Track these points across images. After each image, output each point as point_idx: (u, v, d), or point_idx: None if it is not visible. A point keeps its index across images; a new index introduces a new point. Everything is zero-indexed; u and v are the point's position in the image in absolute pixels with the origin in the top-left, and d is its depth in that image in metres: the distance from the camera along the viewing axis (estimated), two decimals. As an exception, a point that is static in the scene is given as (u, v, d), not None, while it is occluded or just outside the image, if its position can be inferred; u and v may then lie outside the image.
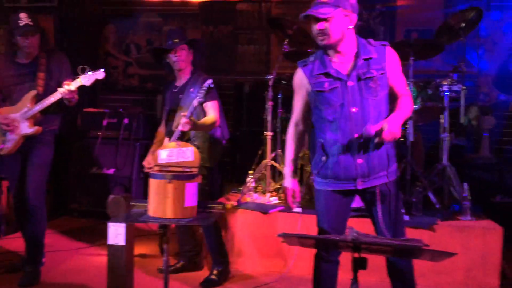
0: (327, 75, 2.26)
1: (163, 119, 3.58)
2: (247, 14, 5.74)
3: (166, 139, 3.39)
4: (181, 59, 3.35)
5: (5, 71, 3.38)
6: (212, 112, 3.30)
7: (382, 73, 2.25)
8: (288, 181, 2.45)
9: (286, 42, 4.23)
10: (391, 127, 2.10)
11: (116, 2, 6.02)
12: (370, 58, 2.26)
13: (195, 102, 3.02)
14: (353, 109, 2.23)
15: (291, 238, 1.99)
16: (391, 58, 2.31)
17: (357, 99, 2.23)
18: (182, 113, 3.06)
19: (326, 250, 2.34)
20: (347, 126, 2.24)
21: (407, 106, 2.30)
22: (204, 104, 3.26)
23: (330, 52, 2.29)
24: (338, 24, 2.21)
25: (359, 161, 2.25)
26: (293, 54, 4.25)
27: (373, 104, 2.23)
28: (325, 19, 2.18)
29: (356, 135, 2.23)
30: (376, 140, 2.14)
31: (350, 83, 2.23)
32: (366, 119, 2.23)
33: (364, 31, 5.46)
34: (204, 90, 2.98)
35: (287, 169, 2.47)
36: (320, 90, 2.27)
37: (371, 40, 2.33)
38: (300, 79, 2.36)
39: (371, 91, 2.23)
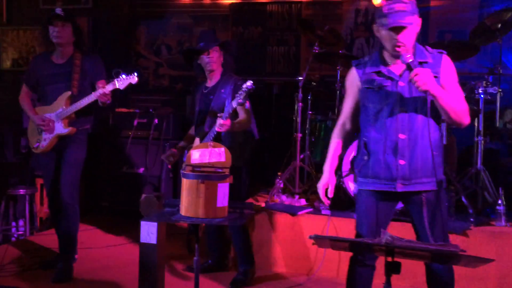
0: (379, 73, 2.26)
1: (194, 120, 3.60)
2: (277, 15, 5.74)
3: (197, 139, 3.41)
4: (213, 61, 3.36)
5: (41, 70, 3.46)
6: (244, 113, 3.31)
7: (434, 76, 2.17)
8: (325, 176, 2.42)
9: (316, 44, 4.22)
10: (426, 71, 2.08)
11: (148, 4, 6.11)
12: (426, 62, 2.22)
13: (234, 103, 3.04)
14: (401, 110, 2.21)
15: (322, 240, 1.98)
16: (447, 66, 2.25)
17: (406, 100, 2.20)
18: (219, 114, 3.09)
19: (362, 254, 2.30)
20: (393, 126, 2.22)
21: (456, 100, 2.20)
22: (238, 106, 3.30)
23: (386, 54, 2.26)
24: (414, 31, 2.18)
25: (401, 162, 2.22)
26: (324, 55, 4.23)
27: (420, 106, 2.20)
28: (405, 28, 2.14)
29: (400, 135, 2.20)
30: (410, 76, 2.11)
31: (401, 83, 2.22)
32: (412, 120, 2.20)
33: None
34: (245, 92, 2.97)
35: (326, 165, 2.44)
36: (369, 87, 2.26)
37: (429, 47, 2.29)
38: (353, 78, 2.35)
39: (420, 94, 2.17)
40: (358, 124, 2.41)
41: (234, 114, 3.33)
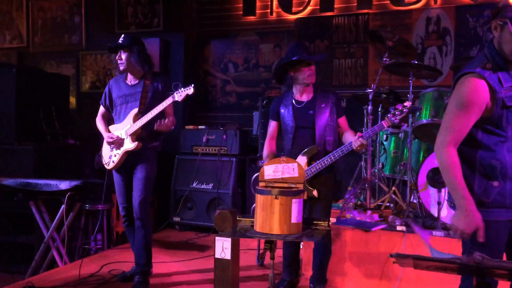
0: None
1: (272, 135, 3.51)
2: (344, 28, 5.68)
3: (302, 157, 3.27)
4: (313, 73, 3.29)
5: (116, 92, 3.64)
6: (347, 126, 3.32)
7: None
8: (474, 213, 1.95)
9: (386, 54, 4.11)
10: None
11: (216, 24, 6.27)
12: None
13: (387, 123, 3.02)
14: None
15: (405, 259, 1.88)
16: None
17: None
18: (359, 133, 3.09)
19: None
20: None
21: None
22: (339, 119, 3.32)
23: (506, 56, 1.99)
24: None
25: None
26: (394, 66, 4.11)
27: None
28: None
29: None
30: None
31: None
32: None
33: (470, 40, 5.15)
34: (405, 113, 2.93)
35: (467, 202, 1.95)
36: None
37: None
38: (485, 93, 1.96)
39: None
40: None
41: (338, 128, 3.33)
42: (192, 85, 3.40)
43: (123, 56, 3.50)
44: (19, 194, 4.28)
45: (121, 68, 3.54)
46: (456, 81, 2.08)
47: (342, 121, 3.34)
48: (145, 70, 3.57)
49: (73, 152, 5.37)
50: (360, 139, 3.04)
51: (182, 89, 3.39)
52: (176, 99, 3.40)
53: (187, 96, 3.39)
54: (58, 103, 5.45)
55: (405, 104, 2.98)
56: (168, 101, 3.40)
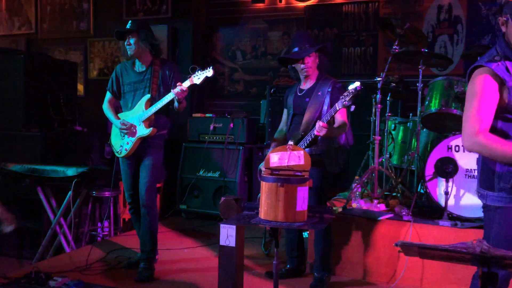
0: None
1: (285, 123, 3.50)
2: (353, 15, 5.61)
3: (290, 142, 3.29)
4: (308, 66, 3.27)
5: (123, 78, 3.61)
6: (341, 116, 3.19)
7: None
8: None
9: (396, 43, 4.05)
10: None
11: (224, 11, 6.22)
12: None
13: (339, 105, 2.92)
14: None
15: (410, 248, 1.85)
16: None
17: None
18: (322, 117, 3.02)
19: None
20: None
21: None
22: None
23: None
24: None
25: None
26: (404, 54, 4.06)
27: None
28: None
29: None
30: None
31: None
32: None
33: (482, 28, 5.06)
34: (352, 93, 2.85)
35: None
36: None
37: None
38: (491, 81, 1.99)
39: None
40: None
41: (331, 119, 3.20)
42: (211, 66, 3.35)
43: (132, 40, 3.46)
44: (26, 180, 4.30)
45: (130, 53, 3.49)
46: (469, 74, 2.10)
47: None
48: (153, 56, 3.55)
49: (80, 139, 5.38)
50: (318, 122, 2.98)
51: (200, 71, 3.33)
52: (195, 82, 3.35)
53: (206, 78, 3.34)
54: (65, 89, 5.45)
55: (355, 85, 2.89)
56: (186, 84, 3.35)
